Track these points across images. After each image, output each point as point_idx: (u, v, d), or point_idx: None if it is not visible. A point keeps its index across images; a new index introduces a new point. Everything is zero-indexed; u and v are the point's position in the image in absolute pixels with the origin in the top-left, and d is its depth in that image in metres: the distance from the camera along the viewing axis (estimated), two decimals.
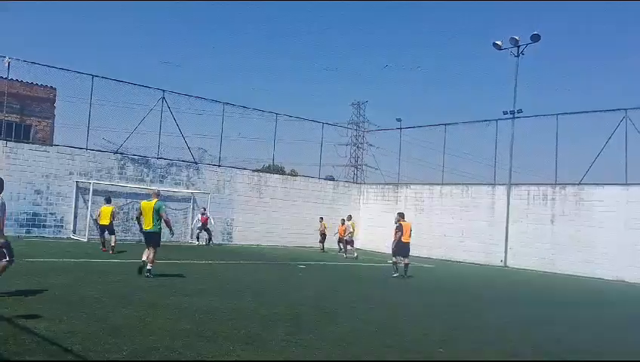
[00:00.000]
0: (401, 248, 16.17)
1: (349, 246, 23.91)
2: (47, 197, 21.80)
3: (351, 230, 23.92)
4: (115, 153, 23.84)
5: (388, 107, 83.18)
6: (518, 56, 25.84)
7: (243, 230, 26.87)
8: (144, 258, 12.23)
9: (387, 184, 31.18)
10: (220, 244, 25.27)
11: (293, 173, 31.70)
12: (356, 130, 44.43)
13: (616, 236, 21.63)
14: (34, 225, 21.41)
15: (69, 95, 23.80)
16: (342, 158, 39.42)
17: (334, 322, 8.60)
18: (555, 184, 24.11)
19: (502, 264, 24.93)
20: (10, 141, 21.95)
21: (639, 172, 21.87)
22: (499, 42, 26.12)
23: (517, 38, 25.58)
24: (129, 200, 23.77)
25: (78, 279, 10.98)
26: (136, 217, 13.30)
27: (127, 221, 23.60)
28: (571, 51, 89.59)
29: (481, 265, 24.65)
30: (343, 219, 24.90)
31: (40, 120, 28.30)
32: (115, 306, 8.34)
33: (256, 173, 28.61)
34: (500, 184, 26.05)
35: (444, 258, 26.27)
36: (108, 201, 18.21)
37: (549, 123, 24.28)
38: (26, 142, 23.50)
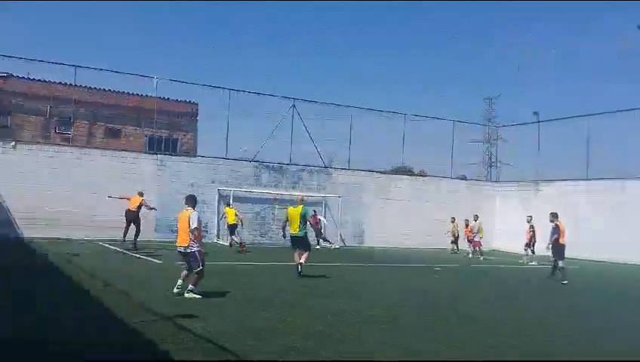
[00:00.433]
0: (560, 250, 15.30)
1: (476, 247, 23.36)
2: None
3: (476, 231, 23.35)
4: (251, 161, 25.13)
5: (522, 100, 78.90)
6: None
7: (373, 232, 26.93)
8: (297, 261, 12.82)
9: (524, 181, 29.56)
10: (338, 247, 25.55)
11: (423, 174, 31.21)
12: (488, 125, 42.70)
13: None
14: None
15: (209, 108, 25.70)
16: (474, 156, 38.02)
17: (474, 322, 8.32)
18: None
19: None
20: (160, 154, 24.07)
21: None
22: None
23: None
24: (265, 206, 24.90)
25: (227, 281, 11.62)
26: (283, 223, 13.94)
27: (263, 225, 24.77)
28: None
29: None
30: (467, 220, 24.40)
31: (185, 133, 30.71)
32: (258, 307, 8.75)
33: (385, 175, 28.58)
34: None
35: (591, 258, 24.24)
36: (228, 205, 21.36)
37: None
38: (173, 155, 25.59)
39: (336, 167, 27.11)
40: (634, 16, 60.64)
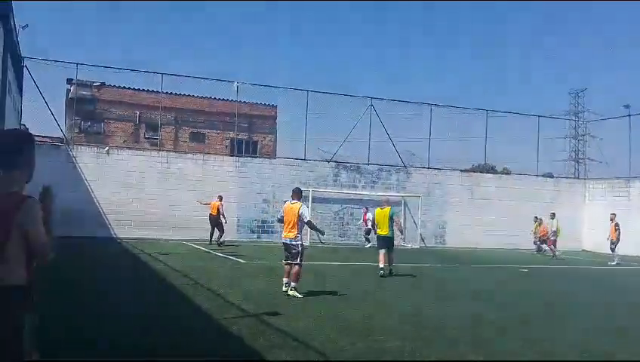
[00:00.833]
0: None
1: (551, 246, 22.48)
2: (274, 206, 23.88)
3: (554, 229, 22.43)
4: (329, 162, 25.25)
5: (611, 93, 74.51)
6: None
7: (456, 232, 26.27)
8: (382, 261, 12.91)
9: (616, 178, 27.82)
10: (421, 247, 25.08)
11: (506, 171, 30.11)
12: (575, 120, 40.64)
13: None
14: (263, 231, 23.66)
15: (288, 110, 26.13)
16: (560, 153, 36.30)
17: (566, 325, 7.90)
18: None
19: None
20: (241, 156, 24.73)
21: None
22: None
23: None
24: (343, 206, 24.94)
25: (307, 280, 11.70)
26: (372, 224, 14.19)
27: (342, 226, 24.83)
28: None
29: None
30: (541, 219, 23.46)
31: (264, 135, 31.38)
32: (346, 305, 8.74)
33: (467, 173, 27.82)
34: None
35: None
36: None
37: None
38: (254, 157, 26.18)
39: (416, 165, 26.70)
40: None
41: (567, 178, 31.79)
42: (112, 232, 21.22)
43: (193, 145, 29.69)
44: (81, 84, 25.42)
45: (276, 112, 29.56)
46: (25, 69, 20.77)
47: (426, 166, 26.63)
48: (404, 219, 25.66)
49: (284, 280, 9.65)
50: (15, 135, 3.22)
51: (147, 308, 8.04)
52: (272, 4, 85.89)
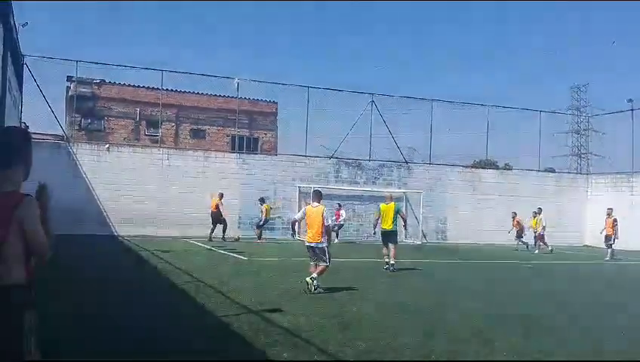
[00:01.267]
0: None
1: (544, 241, 22.37)
2: (275, 202, 23.89)
3: (544, 224, 22.34)
4: (330, 158, 25.21)
5: (613, 88, 74.36)
6: None
7: (457, 228, 26.24)
8: (387, 259, 13.31)
9: (619, 173, 27.76)
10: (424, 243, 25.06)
11: (508, 167, 30.05)
12: (578, 115, 40.52)
13: None
14: (265, 228, 23.60)
15: (289, 107, 26.10)
16: (562, 148, 36.25)
17: (572, 324, 7.87)
18: None
19: None
20: (242, 153, 24.72)
21: None
22: None
23: None
24: (345, 202, 24.89)
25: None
26: (375, 220, 14.73)
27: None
28: None
29: None
30: (535, 212, 23.09)
31: (265, 132, 31.34)
32: (346, 303, 8.71)
33: (468, 169, 27.79)
34: None
35: None
36: (262, 201, 21.44)
37: None
38: (255, 153, 26.16)
39: (417, 161, 26.65)
40: None
41: (569, 173, 31.76)
42: (113, 230, 21.20)
43: (194, 141, 29.67)
44: (81, 82, 25.37)
45: (277, 109, 29.52)
46: (25, 66, 20.73)
47: (428, 162, 26.59)
48: (406, 215, 25.60)
49: (312, 276, 9.66)
50: (8, 133, 3.19)
51: (147, 306, 8.02)
52: (273, 4, 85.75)
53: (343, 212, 23.69)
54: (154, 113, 26.76)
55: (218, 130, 30.51)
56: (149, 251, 15.68)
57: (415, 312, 8.25)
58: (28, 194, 2.80)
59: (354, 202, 25.18)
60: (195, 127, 30.71)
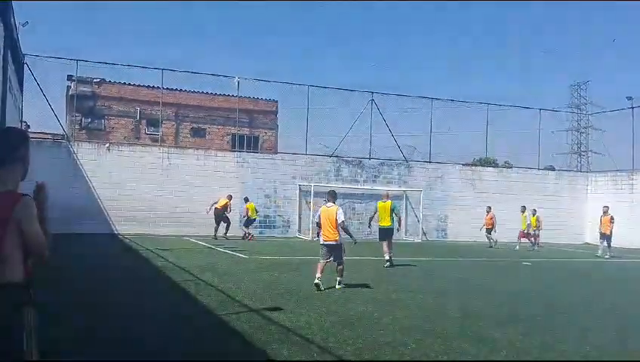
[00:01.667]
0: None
1: (538, 240, 22.49)
2: (275, 201, 23.92)
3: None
4: (330, 156, 25.22)
5: (613, 85, 74.25)
6: None
7: (458, 226, 26.25)
8: (387, 256, 13.67)
9: (619, 171, 27.75)
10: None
11: (508, 165, 30.05)
12: (577, 113, 40.48)
13: None
14: (265, 226, 23.66)
15: (289, 105, 26.11)
16: (562, 146, 36.24)
17: (571, 322, 7.88)
18: None
19: None
20: (242, 152, 24.74)
21: None
22: None
23: None
24: (345, 201, 24.87)
25: (309, 275, 11.71)
26: (370, 217, 15.22)
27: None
28: None
29: None
30: (489, 207, 23.32)
31: (266, 131, 31.34)
32: (345, 301, 8.73)
33: (468, 167, 27.79)
34: None
35: None
36: (246, 200, 21.47)
37: None
38: (255, 152, 26.17)
39: (417, 159, 26.65)
40: None
41: (569, 171, 31.76)
42: (113, 228, 21.23)
43: (194, 140, 29.69)
44: (82, 81, 25.37)
45: (277, 107, 29.53)
46: (25, 66, 20.74)
47: (428, 160, 26.59)
48: (406, 213, 25.67)
49: (317, 275, 9.79)
50: (4, 133, 3.19)
51: (147, 305, 8.04)
52: (273, 3, 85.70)
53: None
54: (154, 112, 26.77)
55: (218, 128, 30.53)
56: (148, 249, 15.71)
57: (415, 310, 8.26)
58: (26, 194, 2.81)
59: (355, 201, 25.18)
60: (195, 125, 30.72)
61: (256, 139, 31.04)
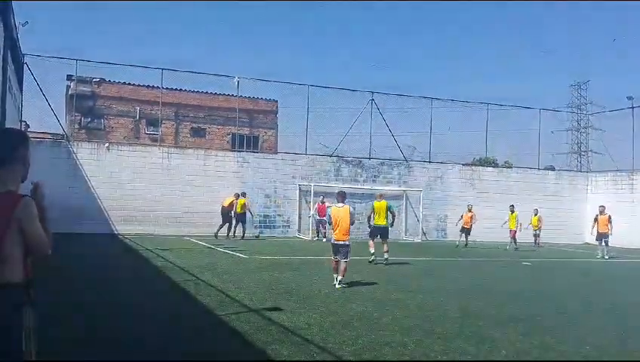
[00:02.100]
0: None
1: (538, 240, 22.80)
2: (275, 200, 23.91)
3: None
4: (330, 156, 25.21)
5: (613, 85, 74.23)
6: None
7: (457, 226, 26.14)
8: (371, 250, 14.27)
9: (620, 171, 27.74)
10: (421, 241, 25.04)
11: (508, 165, 30.04)
12: (577, 113, 40.48)
13: None
14: (265, 226, 23.65)
15: (289, 105, 26.12)
16: (562, 146, 36.24)
17: (571, 322, 7.88)
18: None
19: None
20: (242, 151, 24.72)
21: None
22: None
23: None
24: (345, 201, 24.82)
25: (309, 275, 11.76)
26: (368, 216, 15.55)
27: None
28: None
29: None
30: (470, 205, 23.00)
31: (266, 130, 31.34)
32: (345, 301, 8.72)
33: (468, 167, 27.78)
34: None
35: None
36: (238, 196, 20.97)
37: None
38: (255, 152, 26.16)
39: (417, 159, 26.64)
40: None
41: (569, 171, 31.74)
42: (113, 228, 21.22)
43: (194, 140, 29.70)
44: (81, 80, 25.35)
45: (277, 107, 29.52)
46: (25, 65, 20.72)
47: (427, 160, 26.58)
48: (406, 213, 25.67)
49: (335, 274, 10.23)
50: (3, 133, 3.18)
51: (147, 305, 8.04)
52: (273, 3, 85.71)
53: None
54: (154, 112, 26.77)
55: (218, 128, 30.54)
56: (148, 249, 15.70)
57: (415, 310, 8.25)
58: (25, 195, 2.81)
59: (355, 200, 25.11)
60: (195, 125, 30.72)
61: (257, 138, 31.03)
